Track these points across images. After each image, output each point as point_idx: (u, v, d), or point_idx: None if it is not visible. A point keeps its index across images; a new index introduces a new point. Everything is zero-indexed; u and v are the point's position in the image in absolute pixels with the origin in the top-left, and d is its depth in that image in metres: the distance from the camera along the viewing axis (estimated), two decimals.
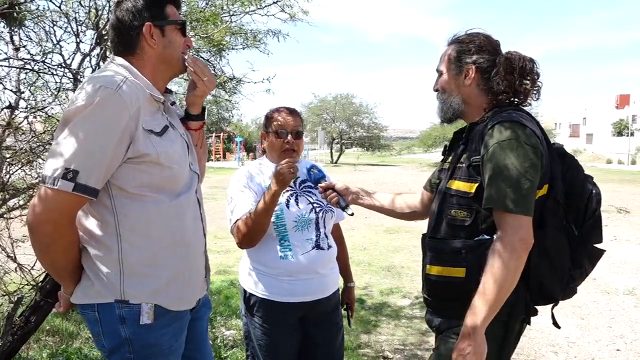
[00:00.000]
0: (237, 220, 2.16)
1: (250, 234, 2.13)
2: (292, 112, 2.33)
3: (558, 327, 1.87)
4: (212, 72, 3.72)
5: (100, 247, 1.58)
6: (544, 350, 4.04)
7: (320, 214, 2.28)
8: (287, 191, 2.26)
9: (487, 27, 1.91)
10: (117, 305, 1.57)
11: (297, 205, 2.24)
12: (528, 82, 1.80)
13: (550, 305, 1.84)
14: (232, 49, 3.46)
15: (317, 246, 2.23)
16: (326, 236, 2.29)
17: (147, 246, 1.59)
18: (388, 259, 7.03)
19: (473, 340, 1.60)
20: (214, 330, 4.06)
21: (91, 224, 1.59)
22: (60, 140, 1.46)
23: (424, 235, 1.96)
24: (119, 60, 1.65)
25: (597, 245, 1.77)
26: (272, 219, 2.17)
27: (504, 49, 1.87)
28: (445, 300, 1.83)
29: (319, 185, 2.18)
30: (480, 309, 1.60)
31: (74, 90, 2.81)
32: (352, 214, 2.10)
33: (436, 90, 1.95)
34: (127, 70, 1.61)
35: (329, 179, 2.23)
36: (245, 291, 2.28)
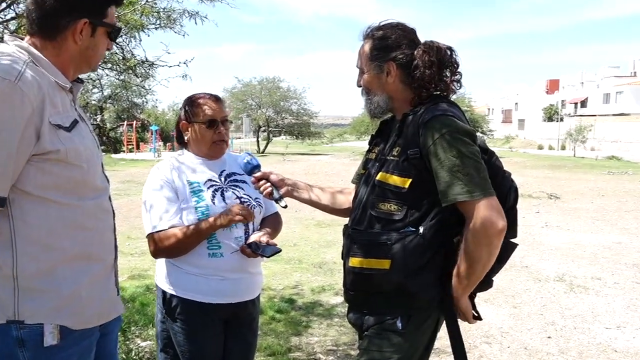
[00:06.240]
0: (159, 230, 2.14)
1: (172, 250, 2.15)
2: (218, 99, 2.31)
3: (480, 319, 1.98)
4: (122, 54, 3.60)
5: None
6: (477, 342, 4.27)
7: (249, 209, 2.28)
8: (212, 186, 2.25)
9: (417, 11, 1.98)
10: (15, 327, 1.48)
11: (224, 200, 2.23)
12: (448, 73, 1.90)
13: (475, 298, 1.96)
14: (144, 29, 3.35)
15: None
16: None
17: (47, 258, 1.52)
18: (320, 255, 7.12)
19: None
20: (127, 342, 3.94)
21: None
22: None
23: (346, 226, 2.03)
24: (19, 42, 1.55)
25: (511, 240, 1.88)
26: (198, 215, 2.17)
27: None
28: (368, 294, 1.90)
29: (253, 175, 2.17)
30: (463, 288, 1.82)
31: None
32: (285, 207, 2.12)
33: (360, 86, 2.01)
34: (27, 54, 1.52)
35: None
36: (164, 293, 2.24)
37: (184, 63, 3.47)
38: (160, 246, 2.15)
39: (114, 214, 1.76)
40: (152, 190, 2.20)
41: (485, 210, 1.69)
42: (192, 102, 2.29)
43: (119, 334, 1.94)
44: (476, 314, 1.94)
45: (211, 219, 2.13)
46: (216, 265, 2.18)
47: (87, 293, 1.60)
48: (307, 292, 5.48)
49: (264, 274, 6.22)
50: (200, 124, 2.25)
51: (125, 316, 4.20)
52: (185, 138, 2.32)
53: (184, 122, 2.31)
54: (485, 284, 1.89)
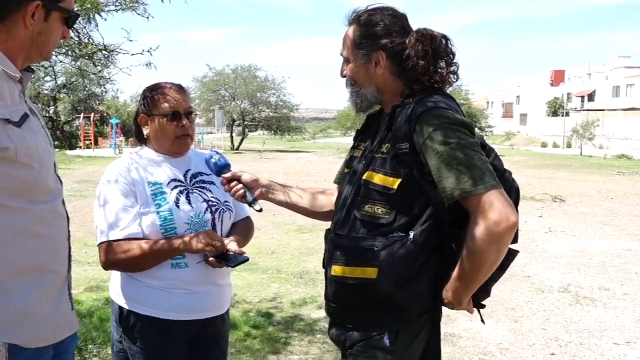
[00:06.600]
0: (115, 239, 2.10)
1: (129, 265, 2.13)
2: (181, 88, 2.30)
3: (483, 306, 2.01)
4: (78, 39, 3.56)
5: None
6: (474, 359, 4.31)
7: (217, 214, 2.27)
8: (177, 187, 2.23)
9: None
10: None
11: (189, 204, 2.21)
12: (443, 63, 1.91)
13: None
14: (102, 11, 3.31)
15: None
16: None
17: None
18: (300, 264, 7.13)
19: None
20: None
21: None
22: None
23: (327, 230, 2.04)
24: None
25: (511, 246, 1.88)
26: (160, 221, 2.14)
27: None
28: (352, 307, 1.91)
29: (222, 175, 2.13)
30: (464, 291, 1.82)
31: None
32: (260, 210, 2.10)
33: (344, 76, 2.01)
34: None
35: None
36: (120, 309, 2.21)
37: (148, 51, 3.44)
38: (114, 258, 2.10)
39: (68, 219, 1.75)
40: (107, 190, 2.17)
41: (494, 203, 1.68)
42: (151, 93, 2.26)
43: (74, 352, 1.92)
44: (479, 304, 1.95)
45: (186, 239, 2.10)
46: (180, 276, 2.15)
47: (38, 308, 1.59)
48: (286, 305, 5.48)
49: (238, 285, 6.21)
50: (161, 117, 2.23)
51: (81, 333, 4.16)
52: (145, 133, 2.29)
53: (142, 115, 2.27)
54: (484, 293, 1.90)
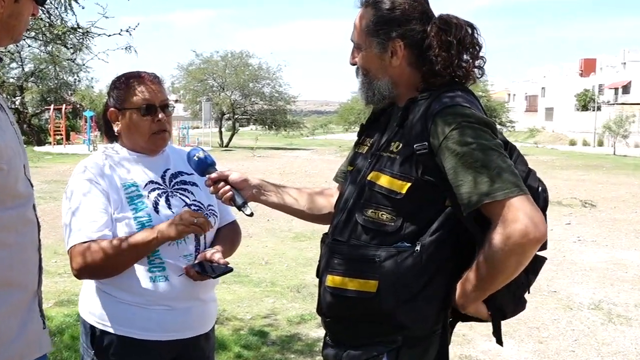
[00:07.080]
0: (84, 242, 2.09)
1: (102, 267, 2.10)
2: (155, 78, 2.29)
3: (501, 344, 2.00)
4: (48, 20, 3.56)
5: None
6: None
7: None
8: (155, 189, 2.23)
9: None
10: None
11: (169, 208, 2.21)
12: (468, 57, 1.89)
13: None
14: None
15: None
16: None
17: None
18: (298, 276, 7.11)
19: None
20: None
21: None
22: None
23: (325, 234, 2.04)
24: None
25: (539, 253, 1.87)
26: (137, 227, 2.14)
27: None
28: (348, 321, 1.91)
29: (208, 175, 2.12)
30: (474, 297, 1.82)
31: None
32: (251, 214, 2.08)
33: (354, 64, 2.00)
34: None
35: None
36: (92, 328, 2.20)
37: (127, 31, 3.43)
38: (88, 261, 2.08)
39: (39, 226, 1.75)
40: (78, 187, 2.16)
41: (520, 211, 1.66)
42: (122, 84, 2.26)
43: None
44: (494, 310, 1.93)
45: (158, 228, 2.09)
46: (159, 291, 2.15)
47: (5, 327, 1.59)
48: (282, 322, 5.48)
49: (228, 299, 6.22)
50: (134, 111, 2.22)
51: (51, 353, 4.15)
52: (116, 130, 2.28)
53: (112, 109, 2.26)
54: (519, 305, 1.90)
